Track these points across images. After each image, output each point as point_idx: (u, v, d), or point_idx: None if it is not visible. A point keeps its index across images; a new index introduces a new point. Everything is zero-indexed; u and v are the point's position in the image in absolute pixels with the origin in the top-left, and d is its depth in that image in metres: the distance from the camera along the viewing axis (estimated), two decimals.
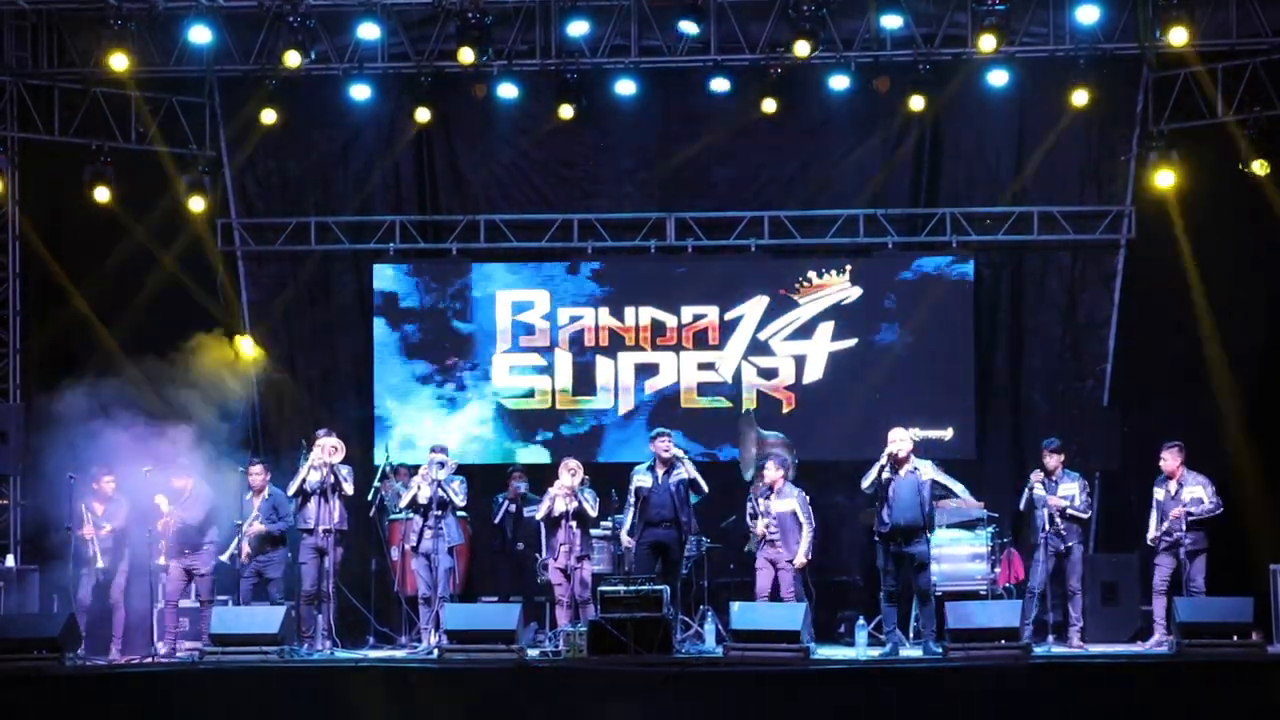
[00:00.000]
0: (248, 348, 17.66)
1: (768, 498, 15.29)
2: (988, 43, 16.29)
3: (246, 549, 15.32)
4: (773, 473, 15.38)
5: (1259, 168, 16.66)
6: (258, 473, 15.61)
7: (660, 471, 15.26)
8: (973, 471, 17.17)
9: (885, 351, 17.81)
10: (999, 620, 14.18)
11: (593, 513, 15.51)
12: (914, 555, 14.72)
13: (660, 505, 15.17)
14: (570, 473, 15.30)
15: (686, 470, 15.23)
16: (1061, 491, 15.35)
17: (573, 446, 17.46)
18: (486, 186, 18.31)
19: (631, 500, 15.29)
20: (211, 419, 16.38)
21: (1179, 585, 15.14)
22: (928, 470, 14.87)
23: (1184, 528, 15.06)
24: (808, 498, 15.38)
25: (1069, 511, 15.32)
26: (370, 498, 16.08)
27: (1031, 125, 17.74)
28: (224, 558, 15.38)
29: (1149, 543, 15.30)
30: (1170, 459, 15.27)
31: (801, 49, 16.35)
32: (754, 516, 15.34)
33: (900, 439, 14.76)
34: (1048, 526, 15.22)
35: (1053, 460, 15.47)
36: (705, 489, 15.33)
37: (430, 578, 15.36)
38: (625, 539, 15.31)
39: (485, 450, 17.93)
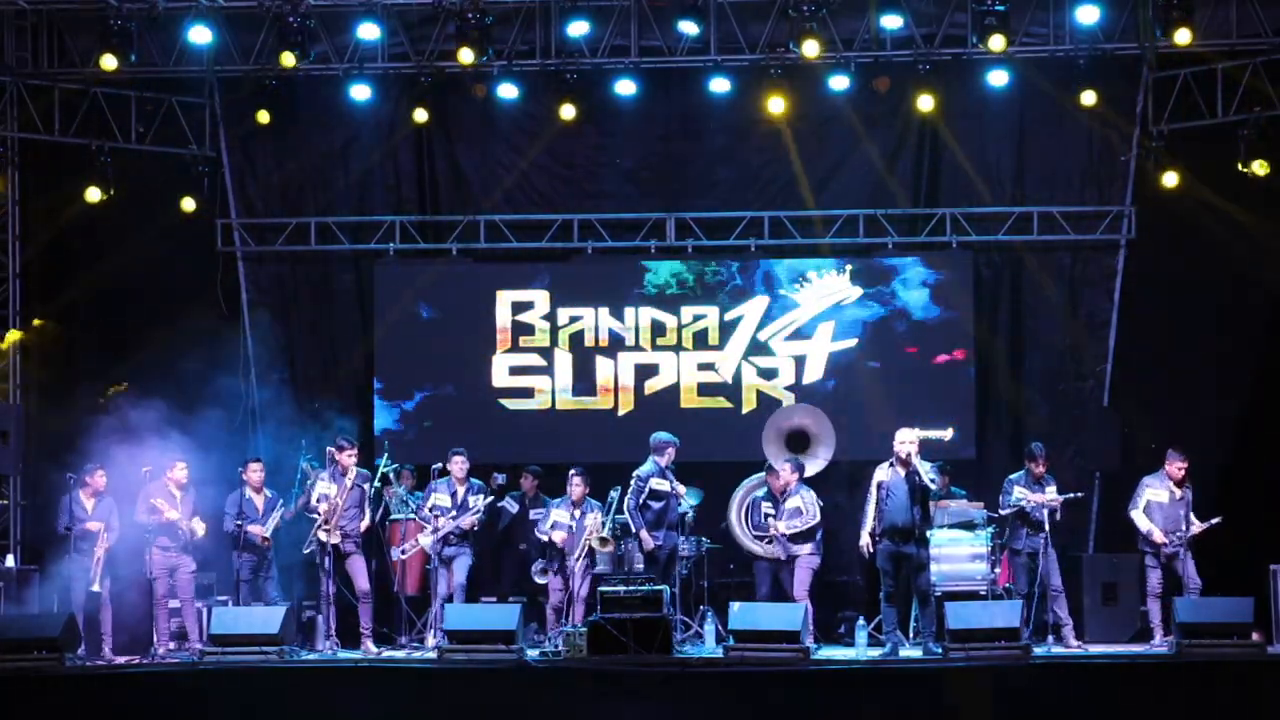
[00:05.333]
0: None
1: (781, 498, 15.59)
2: (997, 43, 16.26)
3: (268, 528, 15.43)
4: (788, 474, 15.64)
5: (1259, 168, 16.67)
6: (257, 470, 15.63)
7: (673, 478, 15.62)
8: (972, 471, 17.18)
9: (885, 351, 17.80)
10: (999, 620, 14.18)
11: (610, 546, 15.70)
12: (912, 556, 14.74)
13: (677, 510, 15.58)
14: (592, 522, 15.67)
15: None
16: (1049, 494, 15.39)
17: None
18: (486, 186, 18.30)
19: (640, 502, 15.49)
20: (207, 417, 16.39)
21: (1172, 588, 15.16)
22: (926, 470, 14.86)
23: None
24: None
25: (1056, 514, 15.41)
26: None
27: (1031, 125, 17.74)
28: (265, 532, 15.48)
29: (1164, 542, 15.23)
30: (1183, 465, 15.26)
31: (810, 49, 16.32)
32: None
33: (908, 439, 14.78)
34: (1046, 527, 15.23)
35: (1042, 466, 15.48)
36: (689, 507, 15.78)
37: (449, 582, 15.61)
38: (649, 540, 15.38)
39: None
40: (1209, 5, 16.77)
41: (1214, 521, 15.18)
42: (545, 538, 15.92)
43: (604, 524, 15.54)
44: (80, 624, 14.95)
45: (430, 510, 15.68)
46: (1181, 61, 17.04)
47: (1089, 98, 16.89)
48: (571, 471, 15.99)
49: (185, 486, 15.56)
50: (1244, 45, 16.90)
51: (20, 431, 16.96)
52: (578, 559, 15.56)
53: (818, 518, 15.59)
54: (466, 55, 16.47)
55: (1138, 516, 15.37)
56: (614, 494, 15.62)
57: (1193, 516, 15.21)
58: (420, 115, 17.48)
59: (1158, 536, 15.26)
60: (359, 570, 15.49)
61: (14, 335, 17.45)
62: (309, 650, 15.27)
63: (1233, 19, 16.83)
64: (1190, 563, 15.12)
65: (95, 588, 15.28)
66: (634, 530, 15.47)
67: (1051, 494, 15.37)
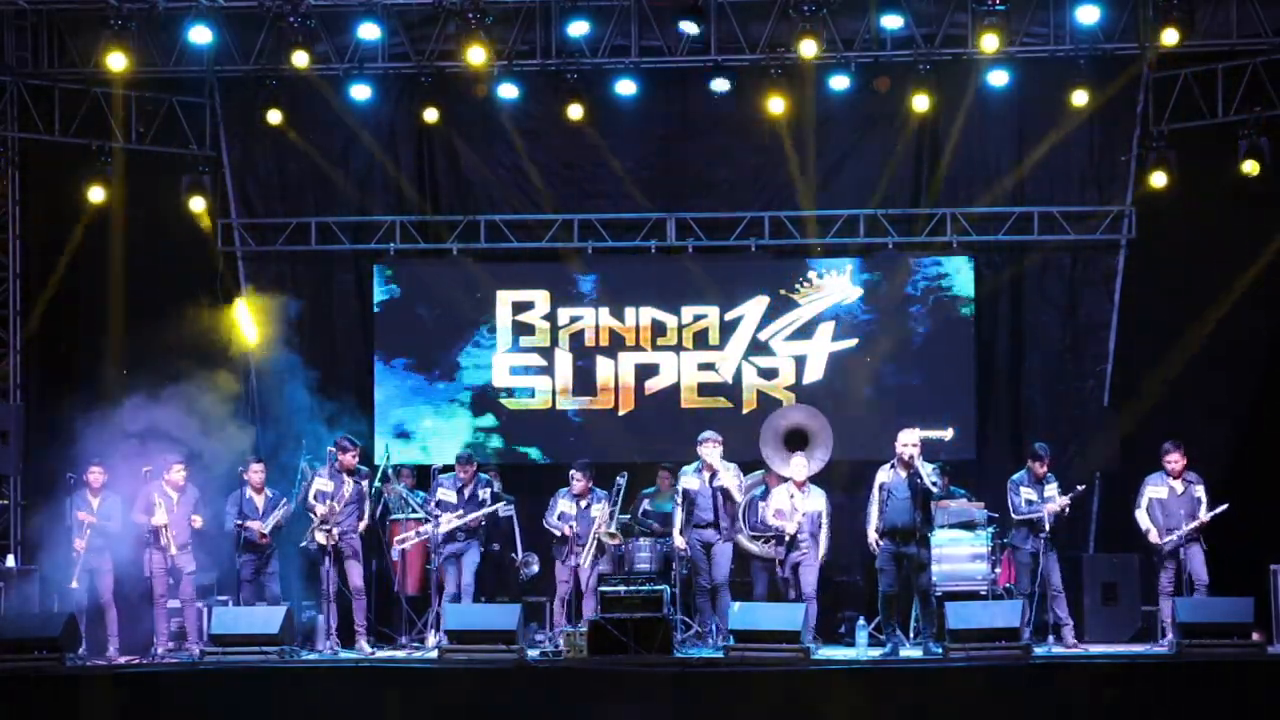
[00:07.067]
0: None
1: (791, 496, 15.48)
2: (989, 43, 16.31)
3: (268, 525, 15.42)
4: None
5: (1250, 168, 16.66)
6: (258, 471, 15.64)
7: (706, 475, 15.36)
8: (972, 471, 17.18)
9: (885, 352, 17.80)
10: (999, 620, 14.18)
11: (618, 540, 15.70)
12: (913, 555, 14.74)
13: (704, 509, 15.31)
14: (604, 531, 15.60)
15: (727, 481, 15.36)
16: (1047, 493, 15.40)
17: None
18: (486, 186, 18.30)
19: (679, 501, 15.36)
20: (209, 418, 16.40)
21: (1180, 585, 15.16)
22: (928, 473, 14.86)
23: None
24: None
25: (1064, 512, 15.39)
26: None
27: (1031, 125, 17.72)
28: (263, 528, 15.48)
29: (1160, 542, 15.23)
30: (1180, 459, 15.26)
31: (807, 49, 16.35)
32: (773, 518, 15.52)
33: (910, 441, 14.77)
34: (1047, 528, 15.23)
35: (1043, 467, 15.48)
36: (738, 500, 15.47)
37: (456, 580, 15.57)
38: (679, 540, 15.31)
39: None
40: (1209, 5, 16.79)
41: (1220, 509, 15.15)
42: (558, 532, 15.80)
43: (611, 515, 15.51)
44: (83, 624, 14.97)
45: (436, 506, 15.66)
46: (1181, 61, 17.04)
47: (1088, 97, 16.89)
48: (572, 469, 15.92)
49: (182, 488, 15.55)
50: (1244, 45, 16.91)
51: (20, 431, 16.97)
52: (586, 553, 15.53)
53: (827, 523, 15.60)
54: (477, 55, 16.43)
55: (1140, 516, 15.36)
56: (620, 480, 15.60)
57: (1203, 510, 15.19)
58: (430, 115, 17.47)
59: (1153, 536, 15.26)
60: (354, 569, 15.48)
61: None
62: (309, 650, 15.28)
63: (1233, 19, 16.84)
64: (1199, 559, 15.10)
65: (74, 584, 15.26)
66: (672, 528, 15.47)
67: (1052, 492, 15.35)
